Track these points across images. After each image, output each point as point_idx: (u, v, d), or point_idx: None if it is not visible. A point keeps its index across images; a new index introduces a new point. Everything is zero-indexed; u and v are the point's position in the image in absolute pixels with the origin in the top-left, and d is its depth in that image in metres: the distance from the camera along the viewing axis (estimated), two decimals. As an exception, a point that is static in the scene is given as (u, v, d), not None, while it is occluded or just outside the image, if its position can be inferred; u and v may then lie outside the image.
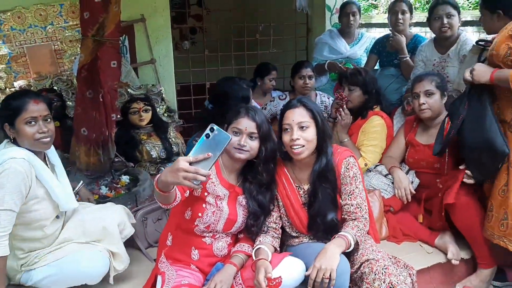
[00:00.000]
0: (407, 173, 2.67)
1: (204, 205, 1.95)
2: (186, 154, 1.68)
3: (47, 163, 2.05)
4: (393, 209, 2.61)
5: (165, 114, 3.84)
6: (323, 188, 2.02)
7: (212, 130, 1.55)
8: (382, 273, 1.82)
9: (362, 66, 3.91)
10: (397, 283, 1.82)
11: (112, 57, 2.95)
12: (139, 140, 3.59)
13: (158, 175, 1.66)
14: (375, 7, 13.72)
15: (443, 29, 2.98)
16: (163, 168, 3.68)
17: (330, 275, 1.75)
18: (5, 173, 1.83)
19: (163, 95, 3.81)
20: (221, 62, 4.53)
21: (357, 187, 2.02)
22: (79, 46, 3.60)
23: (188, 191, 1.87)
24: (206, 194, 1.96)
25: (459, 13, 3.03)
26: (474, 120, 2.23)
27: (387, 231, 2.55)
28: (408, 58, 3.44)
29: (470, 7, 10.89)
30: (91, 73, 2.90)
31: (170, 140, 3.73)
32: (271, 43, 4.42)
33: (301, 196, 2.09)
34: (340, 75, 3.27)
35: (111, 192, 3.02)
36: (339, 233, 1.93)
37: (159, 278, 1.97)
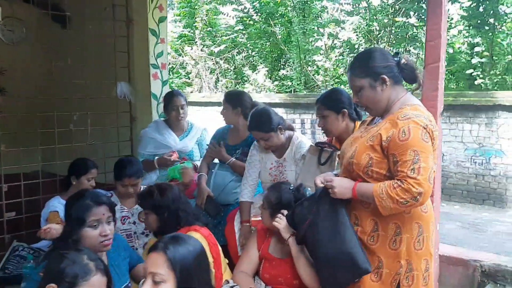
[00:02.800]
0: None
1: None
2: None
3: None
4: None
5: None
6: None
7: None
8: None
9: (194, 159, 3.66)
10: None
11: None
12: None
13: None
14: (189, 85, 14.15)
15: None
16: None
17: None
18: None
19: None
20: (25, 158, 3.70)
21: None
22: None
23: None
24: None
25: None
26: (331, 229, 2.06)
27: None
28: (233, 160, 3.31)
29: (275, 90, 12.08)
30: None
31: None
32: (89, 134, 3.81)
33: None
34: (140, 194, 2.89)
35: None
36: None
37: None
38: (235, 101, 3.35)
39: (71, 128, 3.81)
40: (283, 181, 2.80)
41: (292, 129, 3.13)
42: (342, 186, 2.05)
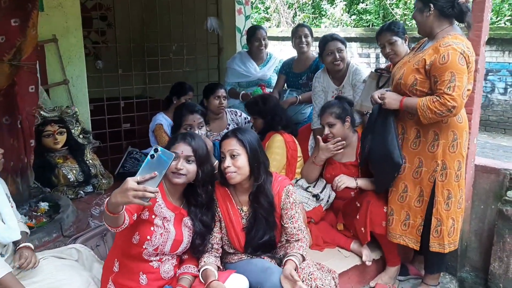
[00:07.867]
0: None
1: (152, 228, 2.03)
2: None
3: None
4: (314, 220, 2.90)
5: (81, 136, 3.75)
6: (259, 212, 2.20)
7: (156, 150, 1.67)
8: (309, 279, 2.08)
9: (272, 85, 4.21)
10: (322, 285, 2.08)
11: (29, 82, 2.88)
12: (54, 164, 3.48)
13: (107, 198, 1.73)
14: (268, 20, 14.46)
15: (335, 62, 3.26)
16: (81, 192, 3.60)
17: None
18: None
19: (78, 116, 3.72)
20: (133, 82, 4.52)
21: (296, 212, 2.24)
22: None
23: (135, 215, 1.93)
24: (153, 216, 2.03)
25: (346, 47, 3.33)
26: (380, 136, 2.58)
27: (310, 240, 2.82)
28: (299, 98, 3.79)
29: (352, 24, 12.06)
30: (7, 98, 2.80)
31: (87, 162, 3.66)
32: (185, 62, 4.53)
33: (242, 218, 2.25)
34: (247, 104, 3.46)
35: (31, 221, 2.90)
36: (289, 257, 2.12)
37: (109, 305, 2.00)
38: None
39: (171, 57, 4.53)
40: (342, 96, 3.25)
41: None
42: (392, 98, 2.52)
